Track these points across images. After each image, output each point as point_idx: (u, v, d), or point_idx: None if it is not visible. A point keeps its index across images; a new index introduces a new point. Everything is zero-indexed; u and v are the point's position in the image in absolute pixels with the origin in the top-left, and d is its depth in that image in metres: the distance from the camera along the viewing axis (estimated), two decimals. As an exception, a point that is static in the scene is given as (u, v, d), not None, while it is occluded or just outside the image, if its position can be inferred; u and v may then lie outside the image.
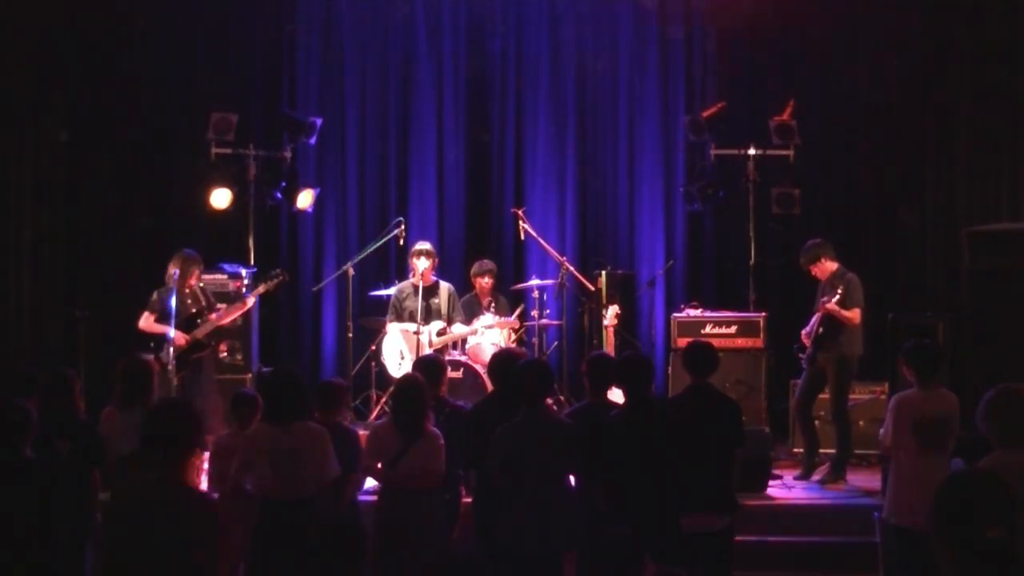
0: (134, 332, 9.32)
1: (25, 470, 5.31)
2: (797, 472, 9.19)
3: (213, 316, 9.37)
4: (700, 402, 6.48)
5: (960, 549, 3.01)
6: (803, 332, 9.18)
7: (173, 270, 9.18)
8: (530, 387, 6.18)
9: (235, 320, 9.87)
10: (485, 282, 10.66)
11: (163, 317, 9.15)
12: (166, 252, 9.46)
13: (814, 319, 9.13)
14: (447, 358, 10.05)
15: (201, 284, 9.60)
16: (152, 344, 9.12)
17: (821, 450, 9.28)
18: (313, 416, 6.50)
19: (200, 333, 9.27)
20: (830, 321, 8.98)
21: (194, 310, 9.32)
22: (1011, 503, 3.03)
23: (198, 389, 9.21)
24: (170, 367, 8.98)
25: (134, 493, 4.41)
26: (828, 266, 9.23)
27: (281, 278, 9.62)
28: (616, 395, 7.12)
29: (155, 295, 9.30)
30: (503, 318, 10.34)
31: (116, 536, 4.34)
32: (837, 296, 8.93)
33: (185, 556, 4.20)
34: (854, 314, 9.01)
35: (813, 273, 9.31)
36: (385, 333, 10.25)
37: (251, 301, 9.68)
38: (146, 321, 9.25)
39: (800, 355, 9.21)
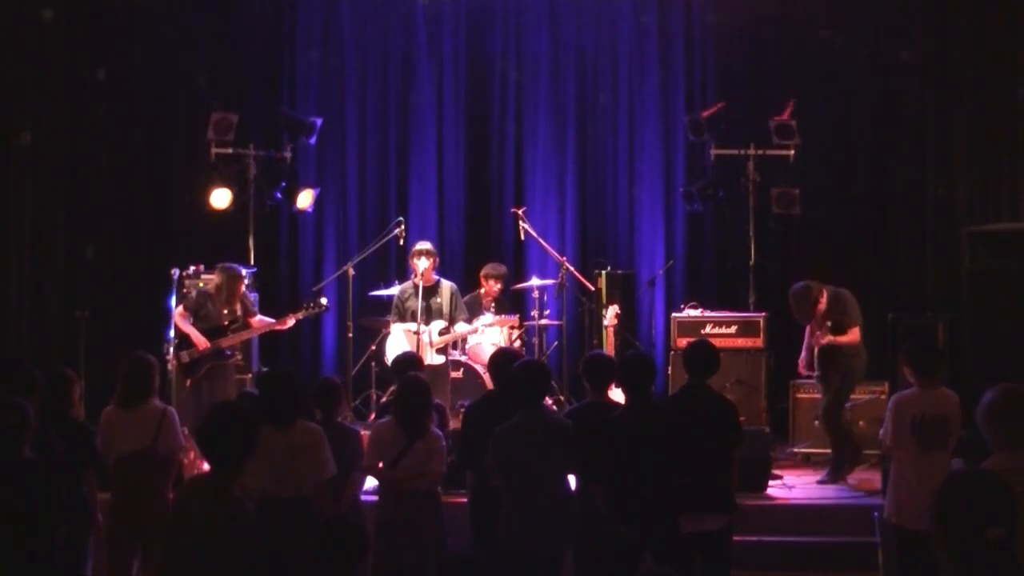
0: (134, 332, 9.31)
1: (24, 470, 5.31)
2: (798, 472, 9.20)
3: (255, 322, 9.30)
4: (696, 403, 6.44)
5: (960, 549, 3.01)
6: (799, 362, 9.18)
7: (216, 281, 9.18)
8: (527, 388, 6.17)
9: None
10: (496, 287, 10.57)
11: (195, 318, 9.09)
12: (166, 252, 9.45)
13: (806, 348, 9.12)
14: (448, 358, 10.07)
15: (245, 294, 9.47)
16: (177, 341, 9.09)
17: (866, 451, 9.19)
18: (313, 415, 6.50)
19: (226, 343, 9.14)
20: (829, 351, 8.96)
21: (226, 322, 9.19)
22: (1011, 503, 3.03)
23: (216, 397, 8.87)
24: (171, 367, 8.94)
25: (197, 498, 4.43)
26: (823, 302, 9.04)
27: (323, 310, 9.68)
28: (616, 394, 7.11)
29: (194, 294, 9.20)
30: (503, 316, 10.33)
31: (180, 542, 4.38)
32: (828, 337, 8.87)
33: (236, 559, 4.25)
34: (853, 334, 8.95)
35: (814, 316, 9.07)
36: (387, 333, 10.24)
37: (291, 323, 9.53)
38: (179, 317, 9.13)
39: (808, 373, 9.23)
